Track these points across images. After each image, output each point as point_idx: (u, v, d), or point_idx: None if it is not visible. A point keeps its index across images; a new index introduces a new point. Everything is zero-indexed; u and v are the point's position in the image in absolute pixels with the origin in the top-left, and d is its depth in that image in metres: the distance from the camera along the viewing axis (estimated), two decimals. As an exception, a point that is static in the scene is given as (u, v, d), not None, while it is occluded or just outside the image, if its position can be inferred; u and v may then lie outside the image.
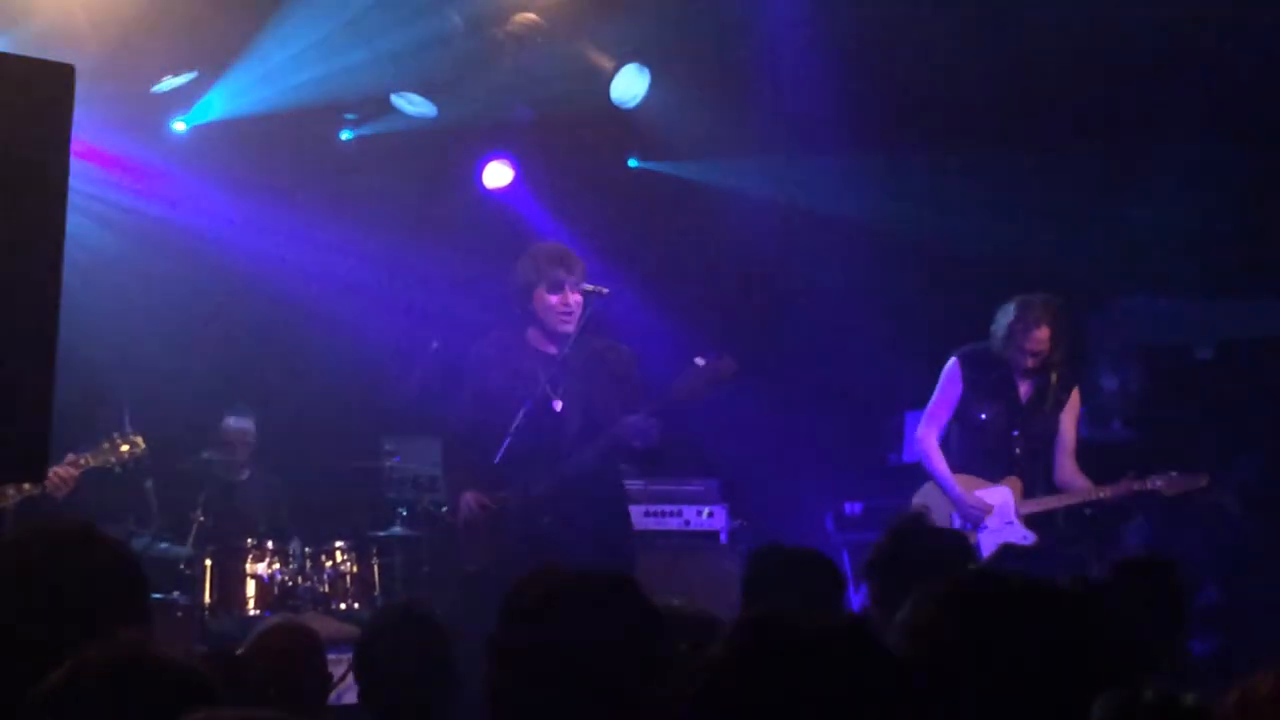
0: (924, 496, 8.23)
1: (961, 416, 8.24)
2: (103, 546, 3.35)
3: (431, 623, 4.85)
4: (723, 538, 9.63)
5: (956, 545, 5.00)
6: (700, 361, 7.49)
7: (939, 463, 8.18)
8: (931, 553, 4.72)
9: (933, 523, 5.48)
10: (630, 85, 10.08)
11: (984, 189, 10.31)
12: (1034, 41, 9.36)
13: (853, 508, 10.43)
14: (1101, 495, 8.06)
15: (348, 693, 7.82)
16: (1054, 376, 8.14)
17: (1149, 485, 7.96)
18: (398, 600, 8.31)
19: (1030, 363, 8.05)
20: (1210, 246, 10.11)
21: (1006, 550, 7.84)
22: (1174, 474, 7.99)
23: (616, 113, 10.25)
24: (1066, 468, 8.17)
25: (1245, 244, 10.00)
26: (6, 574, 3.28)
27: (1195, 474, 8.02)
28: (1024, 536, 7.94)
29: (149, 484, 8.63)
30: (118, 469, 7.84)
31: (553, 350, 7.74)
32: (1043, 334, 8.02)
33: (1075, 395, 8.25)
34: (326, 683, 5.56)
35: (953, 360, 8.29)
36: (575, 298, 7.69)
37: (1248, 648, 7.92)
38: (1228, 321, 10.58)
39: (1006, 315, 8.09)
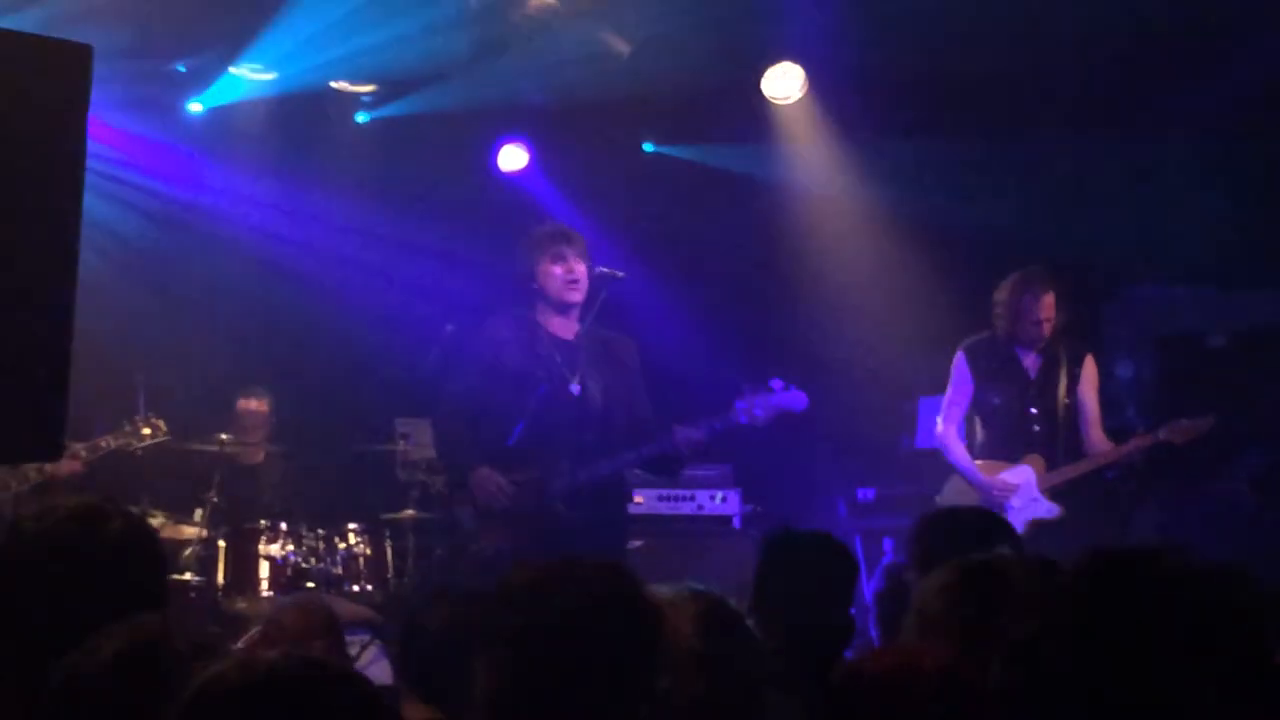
0: (950, 489, 8.26)
1: (977, 406, 8.31)
2: (121, 521, 3.37)
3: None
4: (736, 522, 9.64)
5: (991, 523, 5.03)
6: (777, 385, 7.47)
7: (959, 453, 8.23)
8: (965, 531, 4.75)
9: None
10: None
11: (1000, 175, 10.31)
12: (1050, 27, 9.34)
13: (865, 493, 10.43)
14: (1117, 456, 8.08)
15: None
16: (1061, 349, 8.17)
17: (1159, 437, 7.99)
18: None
19: (1046, 330, 8.08)
20: (1224, 235, 10.08)
21: (1036, 526, 7.87)
22: (1182, 421, 8.02)
23: (632, 96, 10.24)
24: (1094, 438, 8.19)
25: (1259, 232, 9.97)
26: (27, 546, 3.30)
27: (1201, 418, 8.04)
28: (1049, 510, 7.98)
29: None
30: (139, 451, 7.87)
31: (566, 334, 7.74)
32: (1050, 299, 8.07)
33: (1090, 364, 8.26)
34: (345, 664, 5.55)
35: (959, 354, 8.35)
36: (579, 267, 7.68)
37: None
38: (1241, 310, 10.54)
39: (1007, 291, 8.14)
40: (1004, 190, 10.32)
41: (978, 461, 8.19)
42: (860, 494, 10.47)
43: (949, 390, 8.39)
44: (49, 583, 3.23)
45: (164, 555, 3.48)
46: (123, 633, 2.82)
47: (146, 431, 7.89)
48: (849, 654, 4.80)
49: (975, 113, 10.07)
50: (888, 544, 9.99)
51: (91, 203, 4.97)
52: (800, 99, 10.30)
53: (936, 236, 10.36)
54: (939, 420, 8.41)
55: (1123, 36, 9.36)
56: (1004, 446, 8.20)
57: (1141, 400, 8.86)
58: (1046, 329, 8.11)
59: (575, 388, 7.64)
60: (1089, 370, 8.25)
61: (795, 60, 10.18)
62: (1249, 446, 9.55)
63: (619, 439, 7.65)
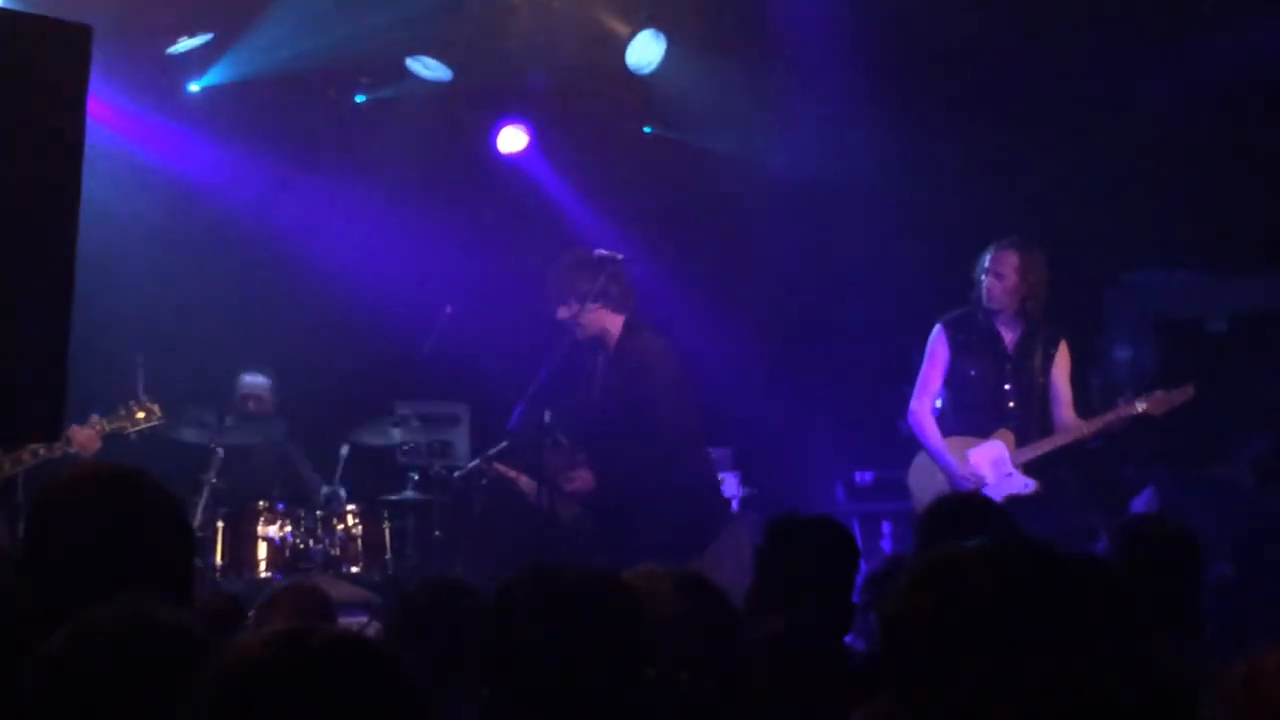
0: (918, 468, 8.23)
1: (952, 378, 8.25)
2: (158, 490, 3.38)
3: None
4: (734, 505, 9.64)
5: (996, 512, 5.03)
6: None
7: (932, 435, 8.18)
8: (970, 520, 4.76)
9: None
10: (646, 51, 10.05)
11: (1001, 160, 10.29)
12: (1048, 13, 9.35)
13: (863, 477, 10.44)
14: (1090, 430, 8.03)
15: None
16: (1039, 330, 8.14)
17: (1136, 409, 7.95)
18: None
19: (1010, 285, 8.02)
20: (1225, 219, 10.08)
21: (1012, 502, 7.86)
22: (1158, 393, 7.99)
23: (632, 79, 10.23)
24: (1064, 417, 8.15)
25: (1260, 217, 9.97)
26: (65, 507, 3.30)
27: (1181, 388, 8.00)
28: (1025, 485, 7.96)
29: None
30: (133, 435, 7.86)
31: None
32: (1013, 257, 8.03)
33: (1064, 348, 8.22)
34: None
35: (937, 327, 8.32)
36: (561, 317, 8.10)
37: (1260, 623, 7.89)
38: (1241, 295, 10.55)
39: (982, 256, 8.16)
40: (1004, 176, 10.30)
41: (949, 438, 8.15)
42: (858, 477, 10.48)
43: (925, 365, 8.31)
44: (78, 552, 3.23)
45: (191, 531, 3.48)
46: (106, 611, 2.81)
47: (140, 415, 7.87)
48: (849, 639, 4.82)
49: (975, 98, 10.06)
50: (886, 527, 10.00)
51: (90, 182, 4.97)
52: (797, 83, 10.29)
53: (938, 220, 10.35)
54: (913, 398, 8.35)
55: (1119, 19, 9.36)
56: (975, 420, 8.16)
57: (1141, 385, 8.84)
58: (1008, 284, 8.05)
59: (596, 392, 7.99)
60: (1063, 354, 8.22)
61: (793, 44, 10.15)
62: (1249, 431, 9.55)
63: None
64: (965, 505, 5.12)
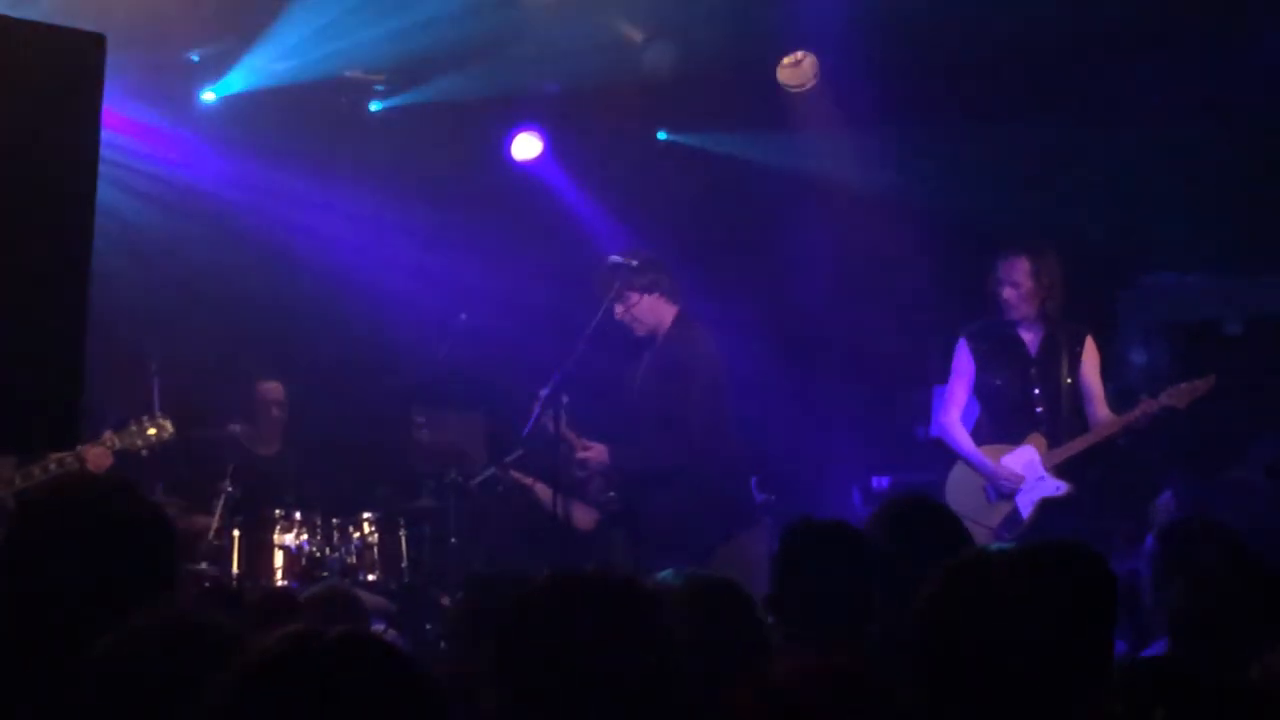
0: (956, 477, 8.24)
1: (980, 389, 8.29)
2: (140, 502, 3.40)
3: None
4: (750, 511, 9.62)
5: (950, 523, 5.04)
6: None
7: (964, 441, 8.22)
8: (921, 521, 4.80)
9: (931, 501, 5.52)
10: (660, 57, 10.05)
11: (1015, 164, 10.28)
12: (1061, 16, 9.34)
13: (880, 482, 10.42)
14: (1120, 426, 8.03)
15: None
16: (1060, 330, 8.15)
17: (1162, 403, 7.94)
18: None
19: (1024, 292, 8.06)
20: (1240, 222, 10.06)
21: (1045, 505, 7.88)
22: (1182, 385, 7.98)
23: (646, 85, 10.23)
24: (1099, 414, 8.15)
25: (1275, 219, 9.95)
26: (48, 517, 3.32)
27: (1202, 379, 8.00)
28: (1056, 487, 7.98)
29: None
30: (144, 452, 7.87)
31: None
32: (1022, 264, 8.06)
33: (1090, 344, 8.23)
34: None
35: (959, 341, 8.36)
36: (619, 315, 8.09)
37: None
38: (1257, 297, 10.50)
39: (993, 268, 8.19)
40: (1019, 180, 10.29)
41: (983, 447, 8.18)
42: (875, 482, 10.46)
43: (951, 377, 8.39)
44: (55, 562, 3.25)
45: (174, 538, 3.50)
46: (154, 614, 2.83)
47: (152, 432, 7.87)
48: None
49: (990, 103, 10.05)
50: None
51: (104, 191, 4.97)
52: (814, 87, 10.28)
53: (952, 225, 10.34)
54: (941, 410, 8.40)
55: (1133, 22, 9.35)
56: (1006, 428, 8.18)
57: (1157, 388, 8.84)
58: (1024, 290, 8.08)
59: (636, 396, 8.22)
60: (1089, 350, 8.23)
61: (809, 48, 10.16)
62: (1265, 434, 9.53)
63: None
64: (917, 507, 5.14)
